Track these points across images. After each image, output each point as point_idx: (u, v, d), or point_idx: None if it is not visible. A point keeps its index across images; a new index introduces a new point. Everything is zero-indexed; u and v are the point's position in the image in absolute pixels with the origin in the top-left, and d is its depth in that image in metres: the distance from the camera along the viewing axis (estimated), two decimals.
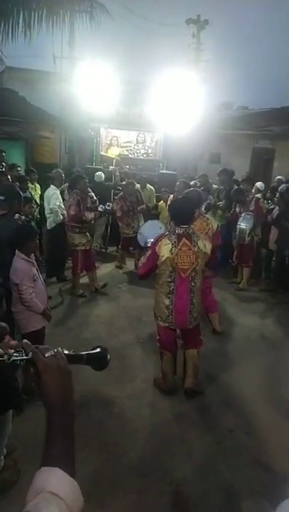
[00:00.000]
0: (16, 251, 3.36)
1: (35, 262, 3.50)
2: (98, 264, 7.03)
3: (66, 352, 0.94)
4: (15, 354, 0.90)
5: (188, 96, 9.50)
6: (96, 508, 2.49)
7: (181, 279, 3.37)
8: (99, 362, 1.01)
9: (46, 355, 0.89)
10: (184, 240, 3.35)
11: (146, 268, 3.55)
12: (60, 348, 0.93)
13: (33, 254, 3.50)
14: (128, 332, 4.87)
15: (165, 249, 3.34)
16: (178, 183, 7.19)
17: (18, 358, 0.89)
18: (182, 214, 3.46)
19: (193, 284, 3.42)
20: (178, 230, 3.38)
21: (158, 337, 3.71)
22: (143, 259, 3.64)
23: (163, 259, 3.34)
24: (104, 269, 7.12)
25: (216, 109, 16.21)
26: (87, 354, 0.98)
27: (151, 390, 3.75)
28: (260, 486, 2.71)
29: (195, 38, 16.46)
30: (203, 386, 3.79)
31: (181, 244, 3.34)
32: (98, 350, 1.01)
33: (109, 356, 1.02)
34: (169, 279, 3.40)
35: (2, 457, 2.57)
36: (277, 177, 8.05)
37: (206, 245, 3.47)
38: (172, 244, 3.34)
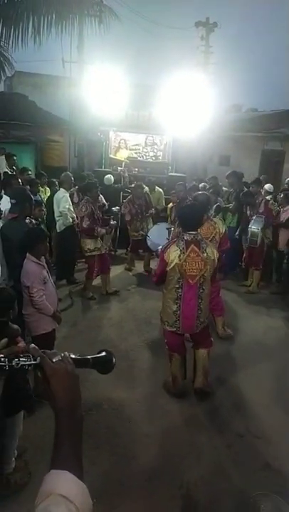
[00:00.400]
0: (27, 254, 3.39)
1: (45, 265, 3.53)
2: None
3: (72, 356, 0.94)
4: (22, 359, 0.90)
5: (197, 98, 9.50)
6: (106, 510, 2.50)
7: (189, 286, 3.38)
8: (104, 365, 1.01)
9: (54, 360, 0.90)
10: (192, 246, 3.35)
11: (157, 277, 3.61)
12: (66, 353, 0.94)
13: (43, 257, 3.53)
14: (137, 335, 4.87)
15: (173, 256, 3.35)
16: (177, 185, 7.20)
17: (27, 362, 0.90)
18: (190, 220, 3.46)
19: (201, 290, 3.43)
20: (186, 237, 3.39)
21: (166, 340, 3.71)
22: (155, 269, 3.76)
23: (172, 265, 3.35)
24: (114, 272, 7.12)
25: (226, 112, 16.18)
26: (92, 358, 0.99)
27: (161, 392, 3.74)
28: (270, 490, 2.68)
29: (204, 41, 16.46)
30: (213, 387, 3.78)
31: (189, 250, 3.34)
32: (104, 353, 1.02)
33: (114, 360, 1.02)
34: (177, 285, 3.41)
35: (13, 459, 2.59)
36: (288, 179, 7.99)
37: (214, 252, 3.47)
38: (180, 250, 3.35)
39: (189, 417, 3.45)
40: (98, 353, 1.02)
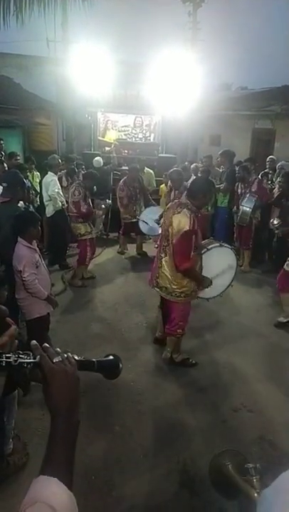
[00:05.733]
0: (18, 238, 3.35)
1: (37, 249, 3.50)
2: (101, 250, 7.07)
3: (76, 358, 0.92)
4: (22, 356, 0.88)
5: (186, 77, 9.33)
6: (106, 488, 2.55)
7: None
8: (110, 370, 0.98)
9: (54, 361, 0.87)
10: None
11: None
12: (70, 354, 0.91)
13: (35, 241, 3.50)
14: (132, 316, 4.90)
15: None
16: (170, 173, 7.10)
17: (25, 360, 0.87)
18: None
19: None
20: None
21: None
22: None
23: None
24: (107, 255, 7.13)
25: (215, 91, 15.91)
26: (98, 361, 0.96)
27: (156, 371, 3.79)
28: (265, 462, 2.75)
29: (191, 17, 16.02)
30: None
31: None
32: (110, 357, 0.99)
33: (121, 365, 0.99)
34: None
35: (11, 440, 2.62)
36: (270, 156, 7.91)
37: None
38: None
39: (184, 395, 3.51)
40: (105, 357, 0.99)
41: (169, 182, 6.63)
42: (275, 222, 5.28)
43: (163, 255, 3.59)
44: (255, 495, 1.36)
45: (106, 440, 2.94)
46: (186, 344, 4.04)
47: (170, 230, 3.45)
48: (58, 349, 0.91)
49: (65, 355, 0.90)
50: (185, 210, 3.38)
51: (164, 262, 3.58)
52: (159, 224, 5.98)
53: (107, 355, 1.00)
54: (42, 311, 3.53)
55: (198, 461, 2.78)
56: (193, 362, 3.92)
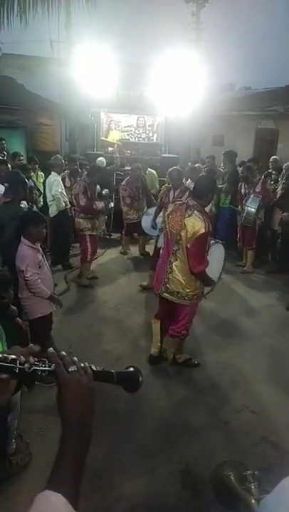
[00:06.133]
0: (21, 237, 3.36)
1: (40, 249, 3.51)
2: (103, 250, 7.07)
3: (94, 368, 0.89)
4: (36, 363, 0.84)
5: (189, 77, 9.34)
6: (107, 488, 2.55)
7: None
8: (130, 383, 0.94)
9: (70, 370, 0.84)
10: None
11: None
12: (87, 363, 0.89)
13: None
14: (134, 316, 4.90)
15: None
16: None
17: (40, 368, 0.84)
18: None
19: None
20: None
21: None
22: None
23: None
24: (109, 256, 7.14)
25: (218, 91, 15.90)
26: (117, 373, 0.92)
27: (158, 372, 3.79)
28: (267, 463, 2.75)
29: (194, 17, 16.01)
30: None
31: None
32: (131, 369, 0.95)
33: (141, 378, 0.95)
34: None
35: (14, 440, 2.62)
36: (273, 157, 7.86)
37: None
38: None
39: (186, 395, 3.51)
40: (125, 369, 0.96)
41: (169, 181, 6.63)
42: None
43: (173, 260, 3.50)
44: (253, 501, 1.34)
45: (108, 440, 2.94)
46: (188, 345, 4.04)
47: (183, 233, 3.35)
48: (75, 358, 0.88)
49: (82, 365, 0.87)
50: (196, 212, 3.33)
51: (174, 267, 3.50)
52: (154, 220, 5.96)
53: (128, 367, 0.96)
54: (44, 311, 3.53)
55: (201, 462, 2.77)
56: (196, 362, 3.91)
